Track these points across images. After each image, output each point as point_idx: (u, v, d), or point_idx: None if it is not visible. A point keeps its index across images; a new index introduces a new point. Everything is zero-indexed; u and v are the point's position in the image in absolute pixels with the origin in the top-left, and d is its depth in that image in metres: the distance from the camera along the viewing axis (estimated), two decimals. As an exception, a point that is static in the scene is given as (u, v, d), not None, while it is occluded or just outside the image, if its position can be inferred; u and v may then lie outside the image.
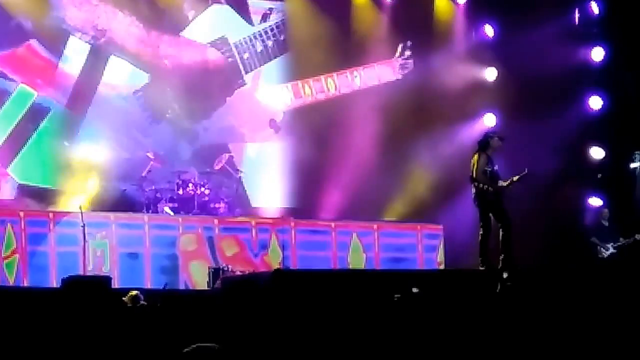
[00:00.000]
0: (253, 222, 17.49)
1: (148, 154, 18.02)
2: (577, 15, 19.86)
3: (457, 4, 20.24)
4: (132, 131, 18.50)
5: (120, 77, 18.66)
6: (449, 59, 19.70)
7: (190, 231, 16.86)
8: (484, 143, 14.58)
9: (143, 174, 17.78)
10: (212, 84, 18.96)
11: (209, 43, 19.32)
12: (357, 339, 8.81)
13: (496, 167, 14.57)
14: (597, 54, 19.43)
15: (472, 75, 19.81)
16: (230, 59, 19.42)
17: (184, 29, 19.22)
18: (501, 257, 14.33)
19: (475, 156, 14.47)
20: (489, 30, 19.82)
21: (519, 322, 9.35)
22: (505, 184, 14.42)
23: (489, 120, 19.40)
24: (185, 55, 18.97)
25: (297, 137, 19.64)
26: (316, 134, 19.31)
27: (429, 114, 19.11)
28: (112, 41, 18.55)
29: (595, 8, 19.57)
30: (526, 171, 14.62)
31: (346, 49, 19.80)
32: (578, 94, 19.26)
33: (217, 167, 18.55)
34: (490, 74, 19.72)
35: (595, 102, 19.32)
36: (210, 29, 19.40)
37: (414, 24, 19.85)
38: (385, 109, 19.12)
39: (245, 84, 19.60)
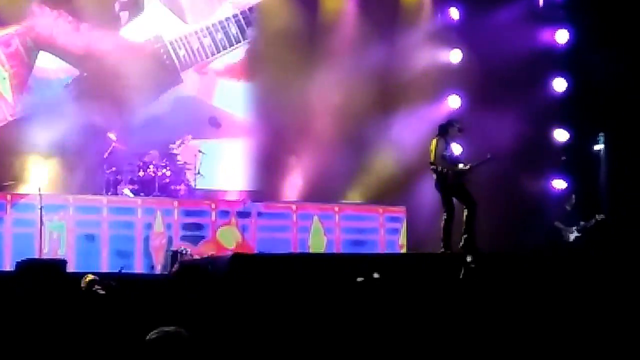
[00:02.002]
0: (213, 205, 17.33)
1: (110, 134, 17.75)
2: (542, -3, 19.81)
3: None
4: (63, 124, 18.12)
5: (50, 70, 18.48)
6: (414, 40, 19.58)
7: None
8: (444, 129, 14.55)
9: (104, 156, 17.55)
10: (146, 81, 18.65)
11: (143, 41, 19.11)
12: (317, 323, 8.66)
13: (457, 152, 14.54)
14: (562, 36, 19.36)
15: (436, 57, 19.69)
16: (165, 57, 19.23)
17: (119, 28, 19.04)
18: (464, 237, 14.31)
19: (434, 141, 14.45)
20: (454, 13, 19.70)
21: (483, 306, 9.24)
22: (465, 167, 14.38)
23: (453, 102, 19.30)
24: (117, 51, 18.61)
25: (256, 121, 19.50)
26: (276, 118, 19.17)
27: (393, 96, 19.03)
28: (40, 37, 18.30)
29: (559, -10, 19.54)
30: (489, 156, 14.60)
31: (311, 35, 19.66)
32: (542, 76, 19.21)
33: (178, 149, 18.32)
34: (454, 56, 19.60)
35: (560, 85, 19.27)
36: (145, 28, 19.21)
37: (380, 5, 19.68)
38: (348, 90, 18.96)
39: (181, 82, 19.39)
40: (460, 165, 14.45)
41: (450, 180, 14.36)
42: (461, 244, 14.29)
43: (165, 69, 19.24)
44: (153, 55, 19.07)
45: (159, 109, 18.93)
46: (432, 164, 14.38)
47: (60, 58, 18.51)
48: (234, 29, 19.70)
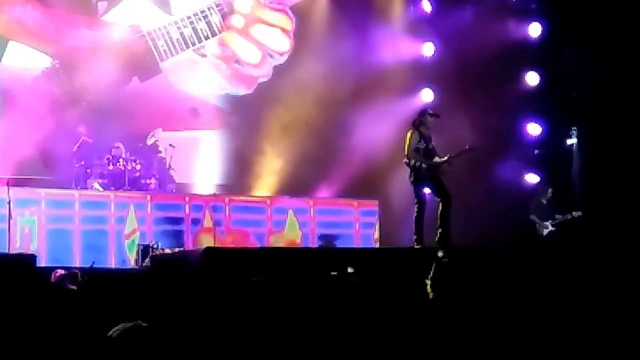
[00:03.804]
0: (187, 199, 17.24)
1: (80, 128, 17.59)
2: (514, -9, 19.81)
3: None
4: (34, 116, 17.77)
5: (22, 60, 18.19)
6: (386, 33, 19.53)
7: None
8: (418, 120, 14.49)
9: (74, 149, 17.41)
10: (123, 71, 18.37)
11: (121, 31, 18.84)
12: (291, 318, 8.60)
13: (432, 144, 14.46)
14: (535, 29, 19.37)
15: (409, 50, 19.66)
16: (143, 47, 18.98)
17: (95, 17, 18.78)
18: (439, 232, 14.26)
19: (408, 133, 14.39)
20: (426, 5, 19.67)
21: (455, 300, 9.19)
22: (441, 160, 14.32)
23: (427, 96, 19.28)
24: (92, 41, 18.37)
25: (230, 116, 19.42)
26: (250, 112, 19.12)
27: (366, 89, 18.95)
28: (7, 26, 18.05)
29: (532, -16, 19.56)
30: (467, 147, 14.55)
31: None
32: (515, 70, 19.22)
33: (149, 142, 18.20)
34: (427, 49, 19.58)
35: (533, 79, 19.28)
36: (124, 18, 18.98)
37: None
38: (320, 83, 18.87)
39: (160, 72, 19.20)
40: (436, 158, 14.38)
41: (423, 174, 14.30)
42: (437, 238, 14.23)
43: (143, 60, 19.01)
44: (131, 46, 18.80)
45: (134, 98, 18.69)
46: (405, 156, 14.34)
47: (31, 47, 18.24)
48: (216, 18, 19.49)
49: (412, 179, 14.42)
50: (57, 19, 18.29)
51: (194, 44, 19.39)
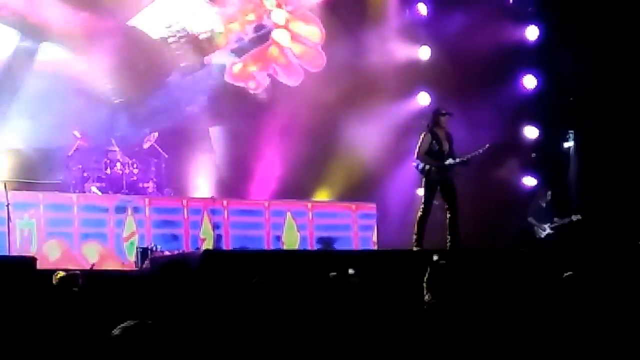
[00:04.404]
0: (184, 202, 17.26)
1: (74, 132, 17.57)
2: (511, -7, 19.85)
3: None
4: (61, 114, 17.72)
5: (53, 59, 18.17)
6: (382, 37, 19.56)
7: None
8: (431, 122, 14.45)
9: (69, 153, 17.42)
10: (164, 68, 18.38)
11: (160, 27, 18.83)
12: (290, 320, 8.64)
13: (447, 145, 14.36)
14: (532, 32, 19.41)
15: (405, 54, 19.68)
16: (185, 41, 18.93)
17: (136, 13, 18.71)
18: (448, 240, 14.21)
19: (421, 136, 14.35)
20: (422, 9, 19.70)
21: (453, 302, 9.23)
22: (454, 162, 14.25)
23: (423, 100, 19.30)
24: (124, 38, 18.35)
25: (229, 117, 19.44)
26: (248, 114, 19.14)
27: (362, 93, 18.97)
28: (37, 27, 17.98)
29: (529, -14, 19.60)
30: (487, 145, 14.49)
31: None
32: (512, 73, 19.24)
33: (145, 146, 18.20)
34: (423, 53, 19.59)
35: (530, 82, 19.32)
36: (165, 13, 18.95)
37: (346, 0, 19.68)
38: (318, 87, 18.92)
39: (203, 67, 19.16)
40: (449, 160, 14.32)
41: (433, 176, 14.25)
42: (448, 247, 14.13)
43: (186, 55, 19.01)
44: (172, 41, 18.82)
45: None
46: (416, 159, 14.29)
47: (61, 47, 18.19)
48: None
49: (423, 180, 14.39)
50: (87, 19, 18.24)
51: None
